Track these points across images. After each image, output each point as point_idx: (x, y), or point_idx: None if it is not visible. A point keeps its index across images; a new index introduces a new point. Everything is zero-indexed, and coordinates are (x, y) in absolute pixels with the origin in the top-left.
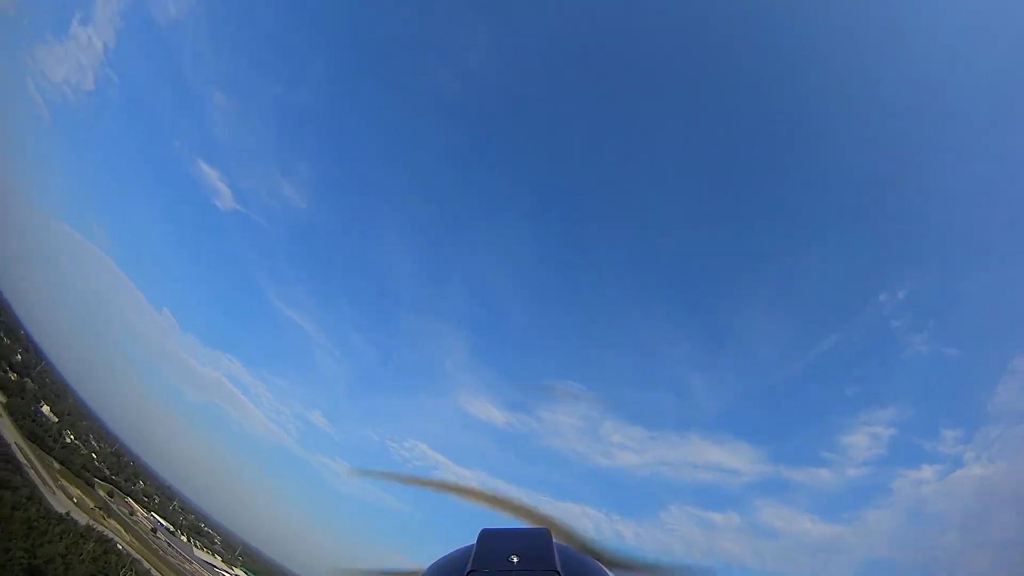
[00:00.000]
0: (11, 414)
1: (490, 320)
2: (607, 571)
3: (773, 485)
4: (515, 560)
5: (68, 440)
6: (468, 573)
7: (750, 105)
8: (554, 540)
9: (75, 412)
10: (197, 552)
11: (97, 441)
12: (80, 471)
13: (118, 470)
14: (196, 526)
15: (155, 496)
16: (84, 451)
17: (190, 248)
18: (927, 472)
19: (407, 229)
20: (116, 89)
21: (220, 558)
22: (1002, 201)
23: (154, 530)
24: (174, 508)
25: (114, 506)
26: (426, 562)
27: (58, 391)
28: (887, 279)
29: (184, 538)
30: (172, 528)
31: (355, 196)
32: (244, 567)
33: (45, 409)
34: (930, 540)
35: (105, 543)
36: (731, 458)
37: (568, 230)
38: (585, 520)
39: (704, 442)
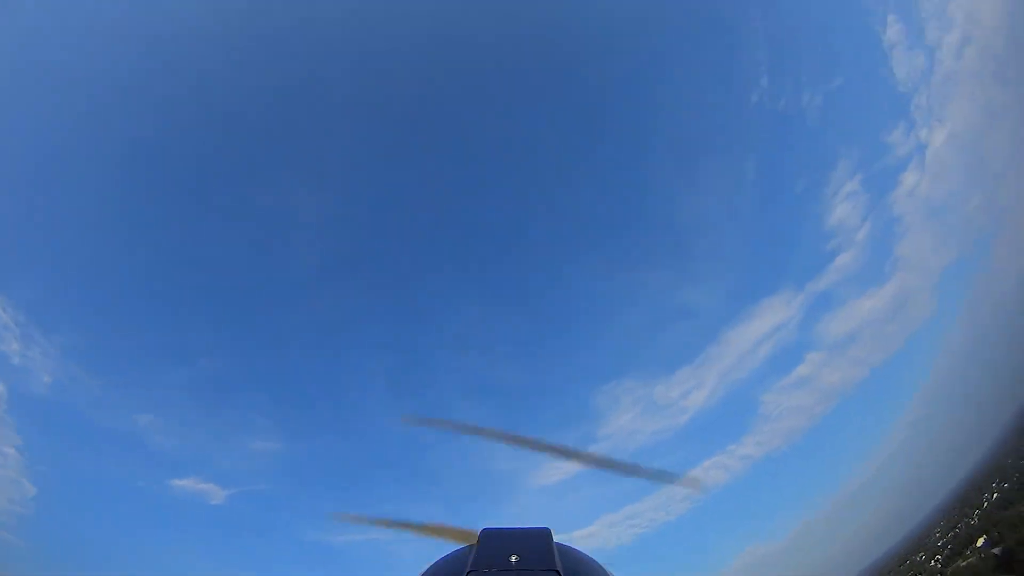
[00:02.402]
0: None
1: None
2: (607, 571)
3: (818, 305)
4: (515, 560)
5: None
6: (468, 573)
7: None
8: (554, 540)
9: None
10: None
11: None
12: None
13: None
14: None
15: None
16: None
17: None
18: (909, 177)
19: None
20: (53, 480)
21: None
22: None
23: None
24: None
25: None
26: (426, 562)
27: None
28: (747, 79)
29: None
30: None
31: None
32: None
33: None
34: (962, 215)
35: None
36: (767, 321)
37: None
38: None
39: (740, 323)
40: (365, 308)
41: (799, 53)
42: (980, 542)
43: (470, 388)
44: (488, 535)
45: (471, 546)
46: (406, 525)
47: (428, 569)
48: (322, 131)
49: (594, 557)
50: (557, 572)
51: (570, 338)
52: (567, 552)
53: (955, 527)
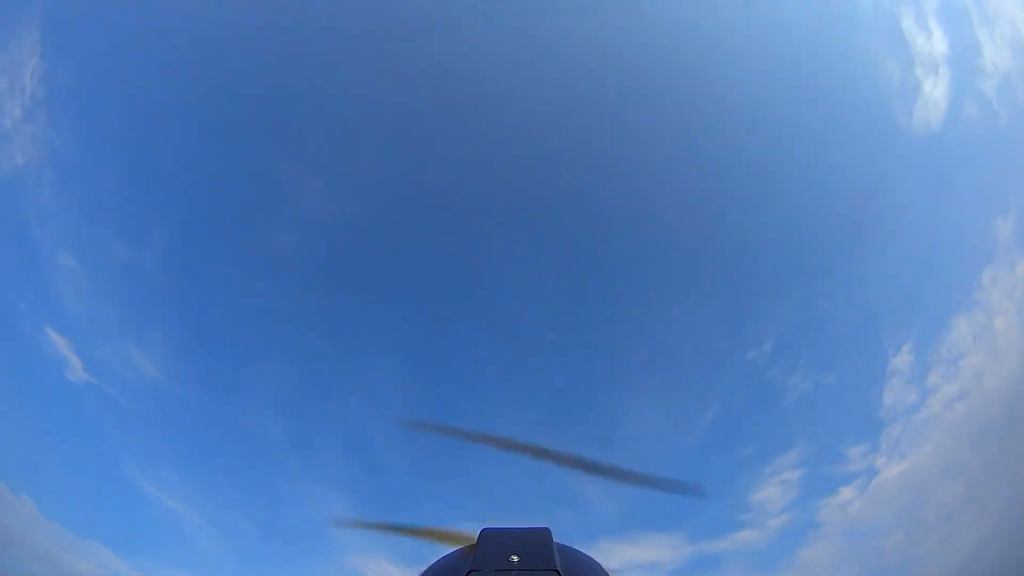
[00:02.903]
0: None
1: (369, 473)
2: (607, 571)
3: (701, 561)
4: (515, 560)
5: None
6: (468, 573)
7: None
8: (555, 540)
9: None
10: None
11: None
12: None
13: None
14: None
15: None
16: None
17: (43, 424)
18: (847, 493)
19: (271, 393)
20: None
21: None
22: (833, 206)
23: None
24: None
25: None
26: (426, 562)
27: None
28: (750, 336)
29: None
30: None
31: (212, 363)
32: None
33: None
34: (877, 546)
35: None
36: (648, 552)
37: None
38: None
39: (614, 545)
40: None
41: (814, 338)
42: None
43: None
44: (488, 535)
45: (471, 546)
46: (406, 530)
47: (427, 569)
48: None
49: (593, 557)
50: (557, 572)
51: None
52: (567, 552)
53: None
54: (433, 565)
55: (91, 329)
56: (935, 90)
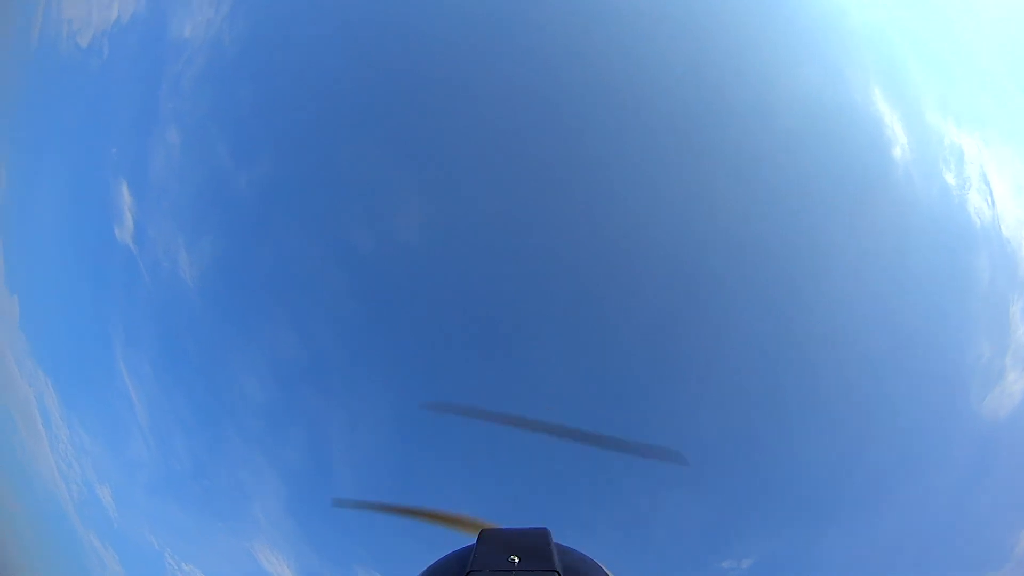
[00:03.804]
0: None
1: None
2: (607, 571)
3: None
4: (515, 560)
5: None
6: (468, 573)
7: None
8: (554, 540)
9: None
10: None
11: None
12: None
13: None
14: None
15: None
16: None
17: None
18: None
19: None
20: None
21: None
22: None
23: None
24: None
25: None
26: (426, 563)
27: None
28: (733, 548)
29: None
30: None
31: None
32: None
33: None
34: None
35: None
36: None
37: None
38: None
39: None
40: None
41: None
42: None
43: None
44: (487, 535)
45: (470, 546)
46: (408, 511)
47: (427, 569)
48: None
49: (593, 558)
50: (557, 572)
51: None
52: (567, 552)
53: None
54: (433, 565)
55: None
56: (1016, 383)
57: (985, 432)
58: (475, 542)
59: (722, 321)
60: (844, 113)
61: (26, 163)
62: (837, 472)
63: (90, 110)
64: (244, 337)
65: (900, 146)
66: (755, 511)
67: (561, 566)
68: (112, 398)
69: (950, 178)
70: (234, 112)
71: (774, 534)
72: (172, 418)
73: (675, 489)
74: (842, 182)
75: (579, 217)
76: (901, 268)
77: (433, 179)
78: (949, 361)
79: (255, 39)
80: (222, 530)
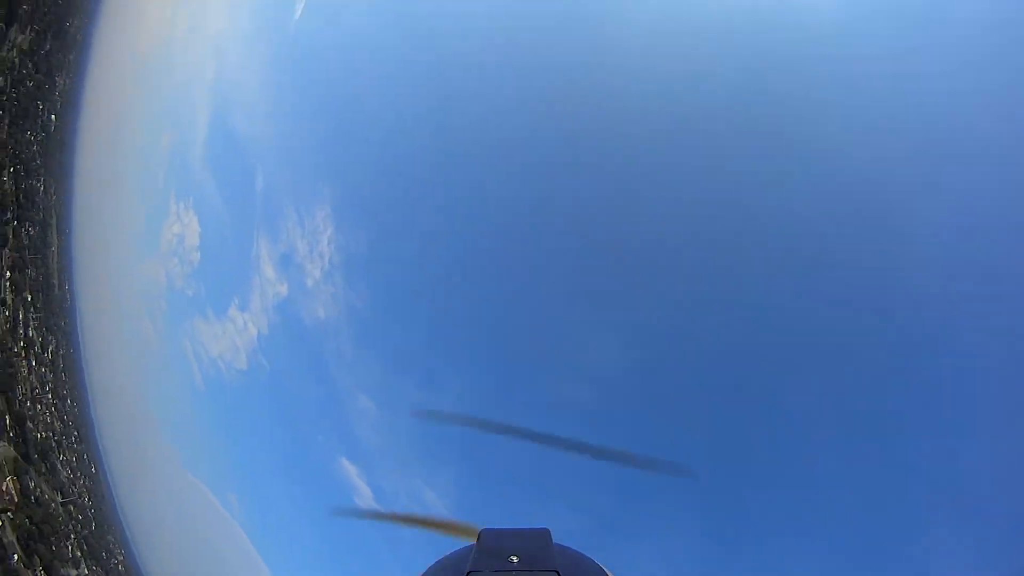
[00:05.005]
0: None
1: None
2: (607, 571)
3: None
4: (515, 560)
5: None
6: (468, 573)
7: None
8: (554, 540)
9: None
10: None
11: None
12: None
13: None
14: None
15: None
16: None
17: (329, 541)
18: None
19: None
20: (266, 374)
21: None
22: None
23: None
24: None
25: None
26: (426, 562)
27: None
28: None
29: None
30: None
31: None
32: None
33: None
34: None
35: None
36: None
37: None
38: None
39: None
40: None
41: None
42: None
43: None
44: (488, 535)
45: (470, 546)
46: (409, 519)
47: (428, 569)
48: None
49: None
50: (557, 572)
51: None
52: (567, 552)
53: None
54: (433, 565)
55: (383, 463)
56: None
57: None
58: (475, 542)
59: None
60: None
61: None
62: None
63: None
64: None
65: None
66: None
67: (561, 566)
68: None
69: None
70: None
71: None
72: None
73: None
74: None
75: None
76: None
77: None
78: None
79: None
80: None
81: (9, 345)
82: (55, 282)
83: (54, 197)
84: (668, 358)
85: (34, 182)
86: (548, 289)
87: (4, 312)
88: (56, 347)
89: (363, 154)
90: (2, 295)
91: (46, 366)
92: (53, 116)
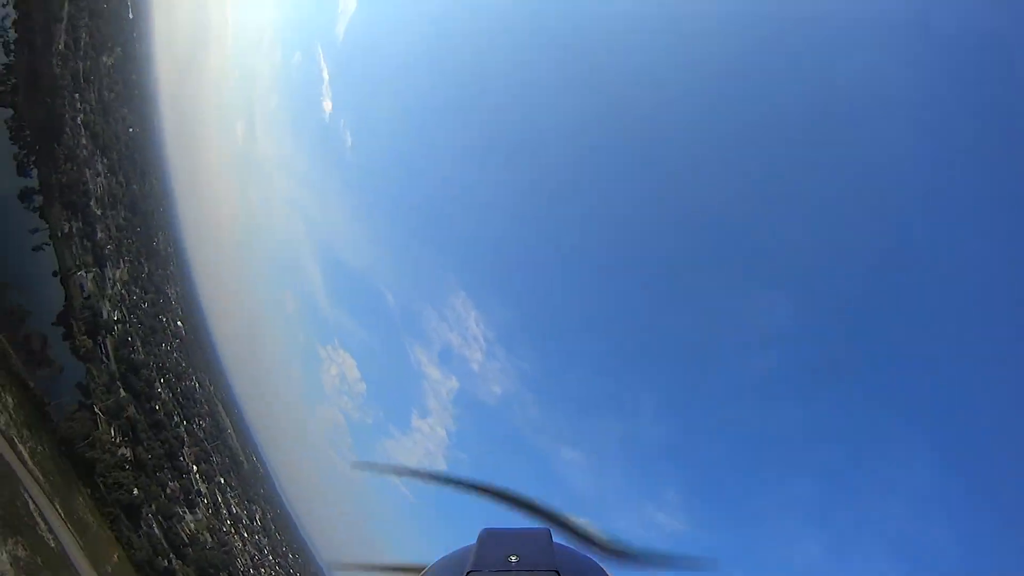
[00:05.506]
0: None
1: None
2: (607, 571)
3: None
4: (515, 560)
5: None
6: (468, 573)
7: None
8: (554, 540)
9: None
10: None
11: None
12: None
13: None
14: None
15: None
16: None
17: None
18: None
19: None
20: (467, 466)
21: None
22: None
23: None
24: None
25: None
26: (427, 561)
27: None
28: None
29: None
30: None
31: (726, 521)
32: None
33: None
34: None
35: None
36: None
37: None
38: None
39: None
40: None
41: None
42: None
43: None
44: (488, 535)
45: (470, 546)
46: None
47: (428, 569)
48: None
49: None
50: (557, 572)
51: None
52: (567, 552)
53: None
54: (433, 565)
55: (605, 503)
56: None
57: None
58: (475, 542)
59: None
60: None
61: None
62: None
63: None
64: None
65: None
66: None
67: (561, 566)
68: None
69: None
70: None
71: None
72: None
73: None
74: None
75: None
76: None
77: None
78: None
79: None
80: None
81: (217, 527)
82: (242, 459)
83: (211, 388)
84: None
85: (186, 382)
86: None
87: (202, 501)
88: (263, 513)
89: (466, 232)
90: (196, 487)
91: (258, 533)
92: (179, 322)
